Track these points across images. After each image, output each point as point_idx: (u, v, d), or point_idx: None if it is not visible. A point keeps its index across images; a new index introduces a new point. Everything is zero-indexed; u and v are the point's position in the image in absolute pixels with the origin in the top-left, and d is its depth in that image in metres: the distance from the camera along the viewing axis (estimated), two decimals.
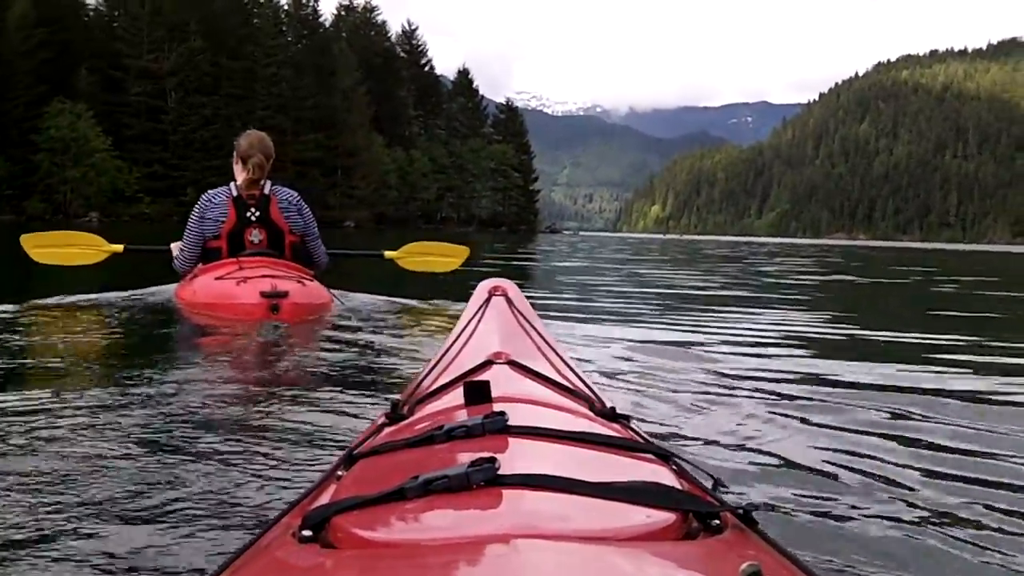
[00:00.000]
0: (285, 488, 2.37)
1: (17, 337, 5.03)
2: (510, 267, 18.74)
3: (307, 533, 1.12)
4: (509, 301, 2.56)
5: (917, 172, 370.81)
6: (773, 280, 16.78)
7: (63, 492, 2.27)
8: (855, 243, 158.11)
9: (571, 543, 0.99)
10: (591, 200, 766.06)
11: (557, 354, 2.26)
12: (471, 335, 2.35)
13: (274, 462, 2.62)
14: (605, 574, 0.93)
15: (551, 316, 6.82)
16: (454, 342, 2.35)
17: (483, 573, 0.93)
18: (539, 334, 2.40)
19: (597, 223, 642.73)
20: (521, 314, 2.50)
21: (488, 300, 2.56)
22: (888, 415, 3.63)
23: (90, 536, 1.99)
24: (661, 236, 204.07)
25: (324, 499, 1.28)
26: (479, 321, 2.43)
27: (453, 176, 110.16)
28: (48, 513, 2.12)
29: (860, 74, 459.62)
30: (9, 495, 2.22)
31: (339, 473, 1.42)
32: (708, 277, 17.08)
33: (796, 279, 17.35)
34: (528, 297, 2.80)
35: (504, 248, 33.92)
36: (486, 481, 1.14)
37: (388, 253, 7.93)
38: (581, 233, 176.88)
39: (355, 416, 3.18)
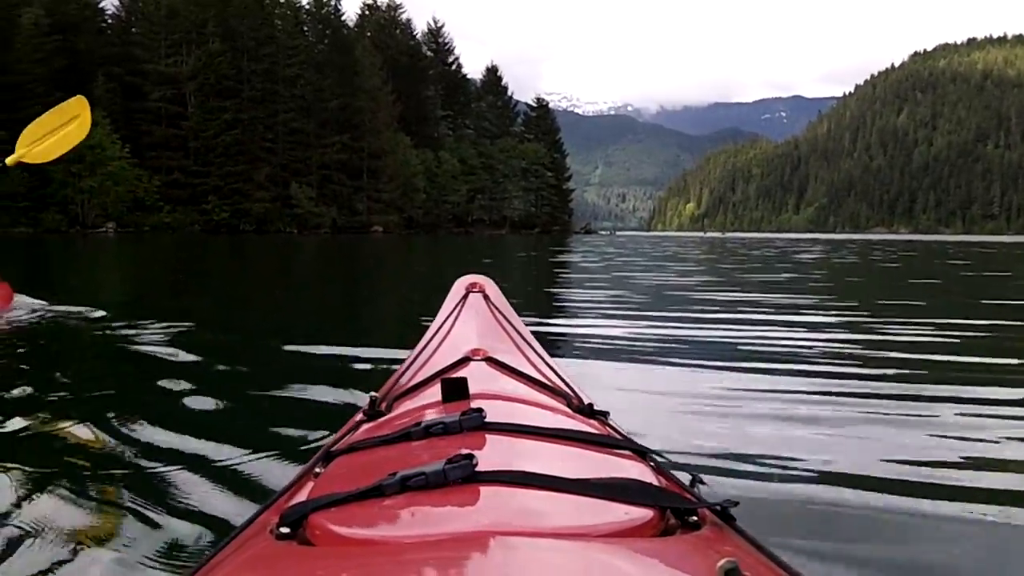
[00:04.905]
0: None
1: None
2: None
3: (285, 530, 1.12)
4: (486, 298, 2.60)
5: (958, 163, 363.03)
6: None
7: (39, 498, 2.41)
8: (917, 238, 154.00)
9: (548, 540, 0.99)
10: (624, 199, 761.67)
11: (535, 351, 2.28)
12: (448, 331, 2.38)
13: None
14: (582, 571, 0.93)
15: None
16: (431, 338, 2.37)
17: (461, 570, 0.93)
18: (517, 331, 2.41)
19: (631, 222, 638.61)
20: (499, 311, 2.53)
21: (465, 297, 2.60)
22: (871, 413, 3.85)
23: (70, 536, 2.15)
24: (701, 234, 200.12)
25: (302, 496, 1.28)
26: (456, 318, 2.47)
27: (483, 177, 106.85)
28: (29, 520, 2.24)
29: (896, 65, 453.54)
30: None
31: (317, 470, 1.42)
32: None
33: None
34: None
35: (526, 261, 30.73)
36: (463, 478, 1.15)
37: (9, 159, 7.01)
38: (619, 233, 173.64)
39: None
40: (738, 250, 38.45)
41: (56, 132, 6.90)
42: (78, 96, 7.13)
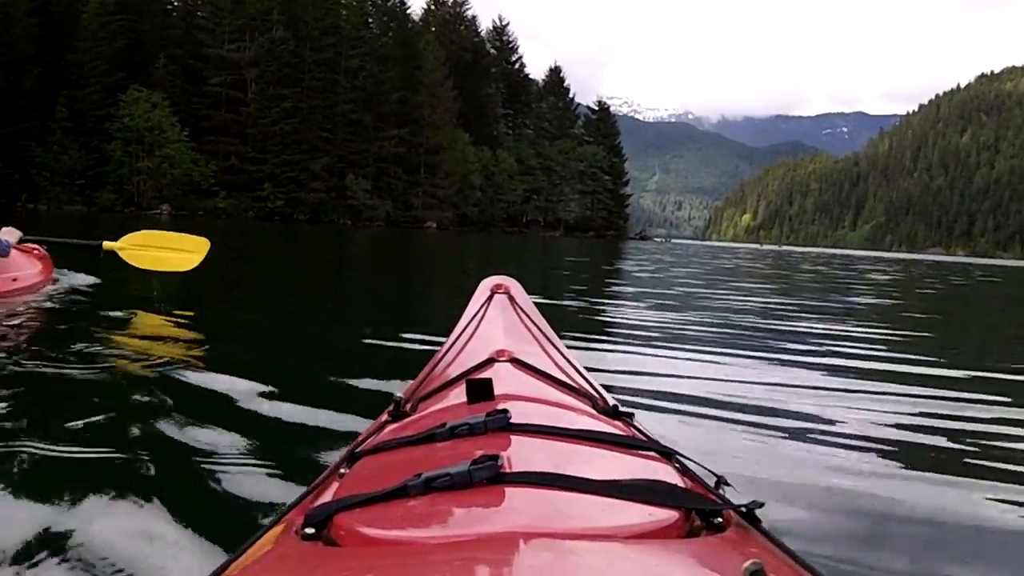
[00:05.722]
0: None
1: None
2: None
3: (310, 531, 1.12)
4: (511, 299, 2.62)
5: (1020, 187, 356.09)
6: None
7: (66, 490, 2.37)
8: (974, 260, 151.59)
9: (573, 541, 0.99)
10: (680, 207, 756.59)
11: (560, 352, 2.30)
12: (473, 333, 2.39)
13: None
14: (607, 572, 0.93)
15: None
16: (456, 339, 2.38)
17: (486, 571, 0.92)
18: (541, 332, 2.43)
19: (686, 231, 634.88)
20: (523, 311, 2.55)
21: (490, 298, 2.61)
22: (893, 417, 3.89)
23: (91, 530, 2.13)
24: (757, 246, 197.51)
25: (327, 497, 1.29)
26: (481, 319, 2.48)
27: (540, 178, 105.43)
28: (50, 512, 2.23)
29: (962, 85, 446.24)
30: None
31: (342, 471, 1.42)
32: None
33: None
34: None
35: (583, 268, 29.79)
36: (488, 479, 1.15)
37: (108, 244, 7.04)
38: (673, 241, 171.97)
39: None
40: (802, 266, 37.21)
41: (164, 251, 6.86)
42: (205, 239, 7.06)
